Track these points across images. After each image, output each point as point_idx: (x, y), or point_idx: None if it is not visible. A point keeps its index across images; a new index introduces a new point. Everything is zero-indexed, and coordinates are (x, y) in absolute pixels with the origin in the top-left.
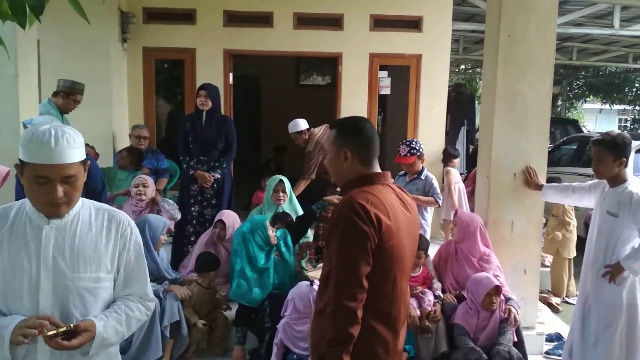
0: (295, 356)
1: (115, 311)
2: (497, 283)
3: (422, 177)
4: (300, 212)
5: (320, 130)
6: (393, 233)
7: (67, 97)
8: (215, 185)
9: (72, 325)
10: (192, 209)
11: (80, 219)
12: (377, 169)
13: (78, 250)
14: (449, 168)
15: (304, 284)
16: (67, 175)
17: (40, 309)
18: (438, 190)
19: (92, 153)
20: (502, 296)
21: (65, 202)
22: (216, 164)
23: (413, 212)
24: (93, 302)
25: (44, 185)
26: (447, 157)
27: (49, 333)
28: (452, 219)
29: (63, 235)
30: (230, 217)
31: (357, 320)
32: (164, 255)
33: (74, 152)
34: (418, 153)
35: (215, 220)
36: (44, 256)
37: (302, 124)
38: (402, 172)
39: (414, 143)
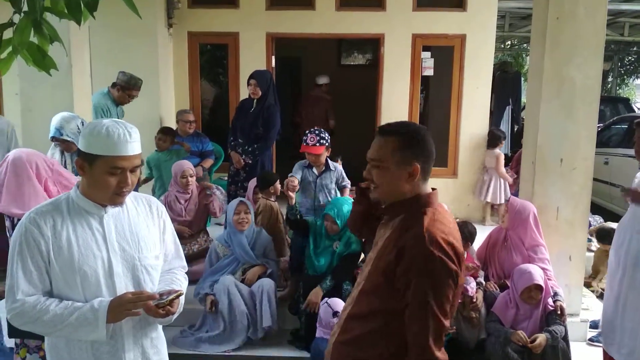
0: None
1: (173, 282)
2: (538, 282)
3: (332, 167)
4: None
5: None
6: (462, 259)
7: (123, 92)
8: (247, 169)
9: (180, 292)
10: (229, 188)
11: (127, 206)
12: (429, 186)
13: (137, 234)
14: (499, 150)
15: (329, 310)
16: (136, 165)
17: (117, 289)
18: (345, 176)
19: None
20: (550, 290)
21: (129, 190)
22: (249, 149)
23: None
24: (157, 277)
25: (116, 176)
26: (496, 139)
27: (157, 303)
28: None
29: (121, 222)
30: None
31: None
32: (263, 238)
33: (138, 144)
34: (327, 144)
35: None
36: (109, 243)
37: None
38: (304, 163)
39: (323, 133)
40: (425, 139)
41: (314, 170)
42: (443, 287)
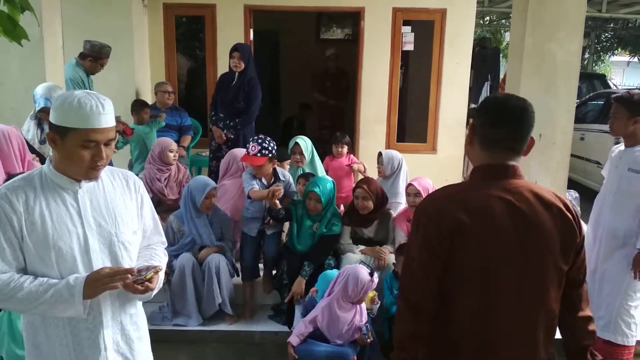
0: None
1: (152, 257)
2: None
3: (282, 177)
4: (321, 171)
5: None
6: (475, 242)
7: (95, 61)
8: (229, 143)
9: (158, 268)
10: (211, 163)
11: (102, 181)
12: (506, 160)
13: (113, 209)
14: None
15: (365, 271)
16: (110, 138)
17: (94, 265)
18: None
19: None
20: None
21: (104, 164)
22: (231, 124)
23: (537, 220)
24: (135, 253)
25: (89, 150)
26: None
27: (136, 279)
28: None
29: (96, 197)
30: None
31: (420, 326)
32: (220, 218)
33: (112, 117)
34: (270, 155)
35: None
36: (85, 218)
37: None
38: (252, 172)
39: (266, 142)
40: (489, 104)
41: (263, 180)
42: (417, 242)
